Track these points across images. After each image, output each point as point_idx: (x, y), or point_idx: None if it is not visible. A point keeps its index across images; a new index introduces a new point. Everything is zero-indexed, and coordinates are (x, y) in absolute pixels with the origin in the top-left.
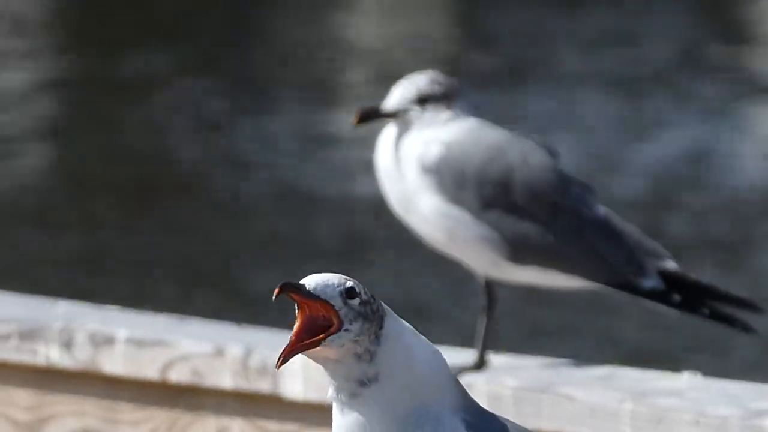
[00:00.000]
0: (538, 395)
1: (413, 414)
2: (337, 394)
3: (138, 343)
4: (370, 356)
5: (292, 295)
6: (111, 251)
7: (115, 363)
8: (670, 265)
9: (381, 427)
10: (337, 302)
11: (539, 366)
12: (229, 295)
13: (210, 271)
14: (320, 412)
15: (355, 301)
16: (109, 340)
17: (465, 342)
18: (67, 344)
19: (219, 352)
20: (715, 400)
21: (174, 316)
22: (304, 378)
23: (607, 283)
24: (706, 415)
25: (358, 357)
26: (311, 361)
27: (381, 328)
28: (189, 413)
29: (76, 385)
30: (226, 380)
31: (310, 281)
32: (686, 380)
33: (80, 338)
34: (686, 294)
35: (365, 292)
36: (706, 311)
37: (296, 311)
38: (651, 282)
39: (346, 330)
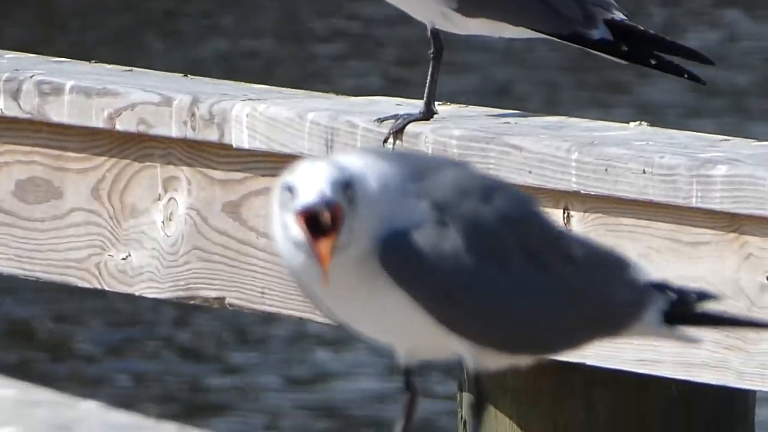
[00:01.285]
0: (485, 145)
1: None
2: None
3: (85, 92)
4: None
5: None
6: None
7: (61, 112)
8: (618, 16)
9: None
10: (343, 202)
11: (486, 116)
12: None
13: (155, 21)
14: (266, 161)
15: (350, 191)
16: (56, 90)
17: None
18: (14, 94)
19: (166, 101)
20: (662, 150)
21: (121, 68)
22: (250, 128)
23: (555, 34)
24: (653, 165)
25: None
26: (257, 111)
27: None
28: (136, 162)
29: (23, 134)
30: (173, 129)
31: (315, 193)
32: (634, 130)
33: (27, 88)
34: (634, 45)
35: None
36: (654, 62)
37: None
38: (598, 32)
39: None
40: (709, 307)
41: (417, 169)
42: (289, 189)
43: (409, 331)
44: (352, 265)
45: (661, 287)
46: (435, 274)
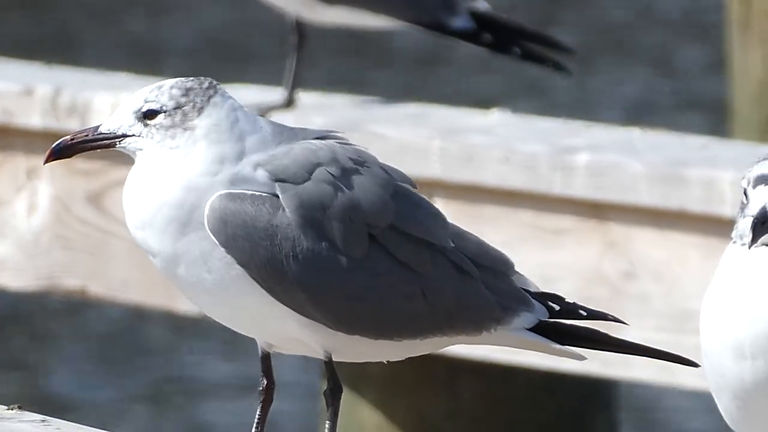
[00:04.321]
0: (348, 134)
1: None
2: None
3: None
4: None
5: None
6: None
7: None
8: (481, 5)
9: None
10: (136, 129)
11: (348, 104)
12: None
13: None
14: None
15: (158, 119)
16: None
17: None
18: None
19: (28, 92)
20: (524, 137)
21: None
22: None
23: (417, 23)
24: (515, 152)
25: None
26: (120, 101)
27: (198, 116)
28: None
29: None
30: (35, 119)
31: (113, 118)
32: (496, 118)
33: None
34: (497, 34)
35: (179, 97)
36: (518, 51)
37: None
38: (461, 21)
39: (144, 138)
40: (586, 326)
41: (275, 138)
42: None
43: (245, 305)
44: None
45: (547, 298)
46: (259, 240)
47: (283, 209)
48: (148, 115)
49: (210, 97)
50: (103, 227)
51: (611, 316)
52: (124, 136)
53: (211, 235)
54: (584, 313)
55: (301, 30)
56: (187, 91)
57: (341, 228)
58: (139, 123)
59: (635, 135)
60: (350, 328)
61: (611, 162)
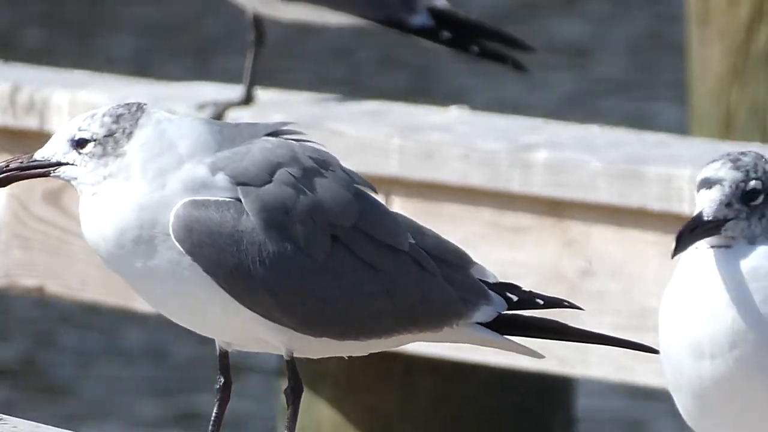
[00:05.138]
0: (307, 131)
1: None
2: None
3: None
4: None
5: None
6: None
7: None
8: (440, 2)
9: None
10: (70, 157)
11: (307, 101)
12: None
13: None
14: None
15: (89, 148)
16: None
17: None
18: None
19: None
20: (483, 134)
21: None
22: (71, 115)
23: (376, 20)
24: (475, 149)
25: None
26: (78, 98)
27: (128, 140)
28: None
29: None
30: None
31: (48, 145)
32: (455, 115)
33: None
34: (456, 31)
35: (110, 125)
36: (476, 49)
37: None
38: (420, 19)
39: (77, 166)
40: (545, 317)
41: (227, 140)
42: None
43: (211, 310)
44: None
45: (506, 288)
46: (224, 247)
47: (247, 214)
48: (81, 143)
49: (138, 119)
50: (62, 225)
51: (567, 302)
52: (59, 164)
53: (176, 243)
54: (541, 302)
55: (260, 27)
56: (117, 118)
57: (305, 230)
58: (74, 151)
59: (594, 132)
60: (317, 330)
61: (570, 159)
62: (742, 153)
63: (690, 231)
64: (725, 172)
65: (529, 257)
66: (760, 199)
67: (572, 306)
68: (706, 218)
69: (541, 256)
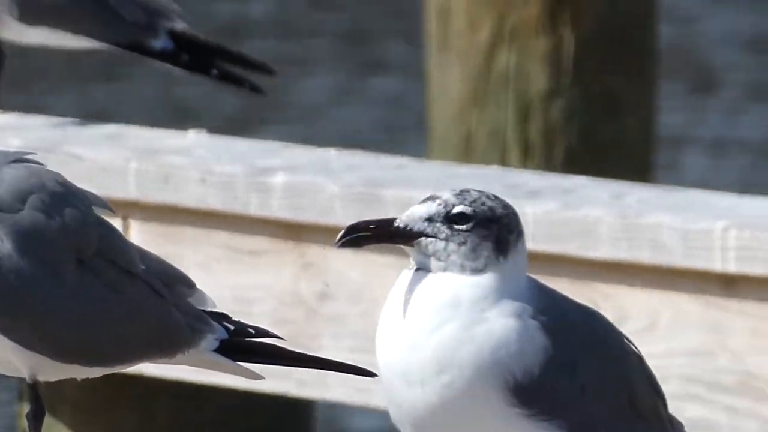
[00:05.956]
0: (45, 155)
1: None
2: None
3: None
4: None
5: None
6: None
7: None
8: (180, 25)
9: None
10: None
11: (45, 125)
12: None
13: None
14: None
15: (462, 225)
16: None
17: None
18: None
19: None
20: (221, 158)
21: None
22: None
23: (116, 44)
24: (212, 173)
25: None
26: None
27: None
28: None
29: None
30: None
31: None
32: (192, 138)
33: None
34: (195, 54)
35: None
36: (216, 72)
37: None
38: (160, 42)
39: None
40: (266, 341)
41: None
42: None
43: None
44: None
45: (220, 318)
46: None
47: (2, 240)
48: None
49: None
50: None
51: (272, 333)
52: None
53: None
54: (252, 331)
55: (0, 49)
56: None
57: (57, 257)
58: None
59: (332, 155)
60: (67, 356)
61: (308, 183)
62: (477, 190)
63: (369, 227)
64: (445, 194)
65: (267, 281)
66: (466, 226)
67: (276, 336)
68: (396, 225)
69: (279, 280)
